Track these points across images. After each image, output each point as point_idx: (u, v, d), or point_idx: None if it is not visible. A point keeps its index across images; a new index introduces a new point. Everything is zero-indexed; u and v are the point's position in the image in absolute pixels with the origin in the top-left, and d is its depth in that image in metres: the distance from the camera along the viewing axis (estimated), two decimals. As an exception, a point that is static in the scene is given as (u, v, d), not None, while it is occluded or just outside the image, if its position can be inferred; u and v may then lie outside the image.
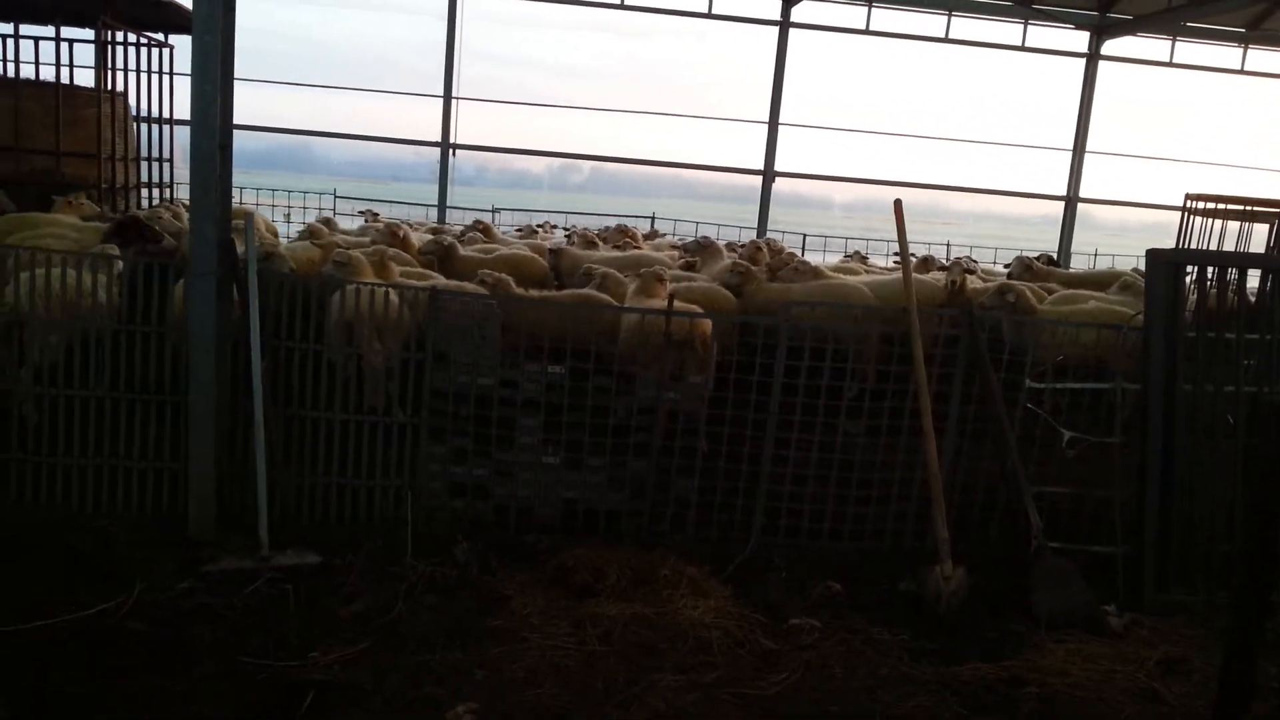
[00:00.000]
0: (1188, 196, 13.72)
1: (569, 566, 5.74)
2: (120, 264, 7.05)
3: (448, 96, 20.03)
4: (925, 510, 6.34)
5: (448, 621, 5.26)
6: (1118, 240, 23.15)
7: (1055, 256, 16.73)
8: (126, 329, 6.32)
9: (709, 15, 20.55)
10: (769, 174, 20.87)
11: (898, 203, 6.53)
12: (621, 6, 20.31)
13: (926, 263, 13.12)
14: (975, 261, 16.02)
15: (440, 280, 8.83)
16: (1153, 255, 6.20)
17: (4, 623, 4.82)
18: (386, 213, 17.62)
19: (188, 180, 6.40)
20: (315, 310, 6.54)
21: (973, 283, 10.02)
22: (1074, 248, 21.56)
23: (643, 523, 6.54)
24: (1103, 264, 20.31)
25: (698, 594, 5.63)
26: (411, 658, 4.90)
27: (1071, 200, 21.38)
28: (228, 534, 5.96)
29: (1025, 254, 12.23)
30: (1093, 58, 20.82)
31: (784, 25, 20.37)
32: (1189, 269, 6.54)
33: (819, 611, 5.73)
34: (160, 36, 13.82)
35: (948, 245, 20.52)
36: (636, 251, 12.22)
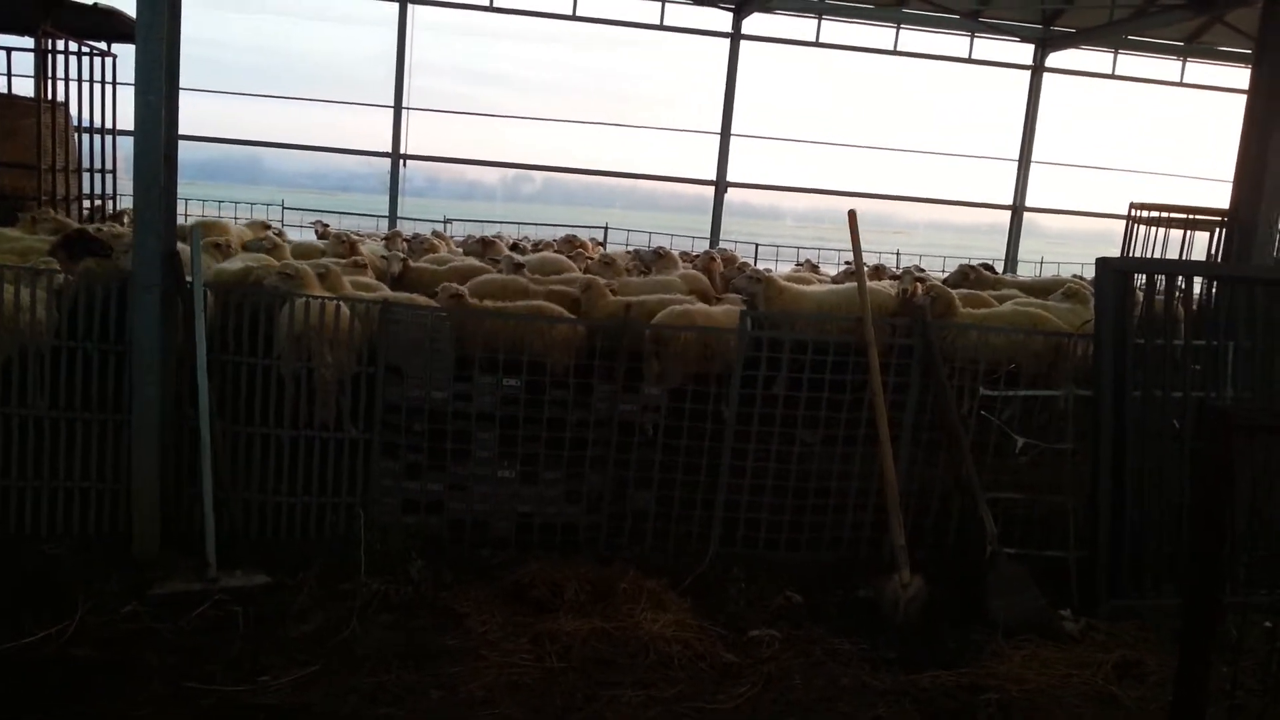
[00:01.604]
0: (1132, 205, 14.01)
1: (526, 582, 5.66)
2: (59, 278, 6.84)
3: (398, 107, 19.89)
4: (882, 518, 6.35)
5: (402, 641, 5.16)
6: (1062, 248, 23.57)
7: (998, 264, 16.98)
8: (67, 346, 6.13)
9: (660, 27, 20.63)
10: (721, 184, 20.98)
11: (852, 213, 6.57)
12: (573, 18, 20.31)
13: (878, 271, 13.26)
14: (925, 270, 16.23)
15: (387, 292, 8.74)
16: (1102, 264, 6.28)
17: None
18: (336, 224, 17.39)
19: (131, 192, 6.23)
20: (264, 324, 6.39)
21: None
22: (1021, 256, 21.93)
23: (600, 536, 6.47)
24: (1049, 271, 20.65)
25: (657, 607, 5.58)
26: (366, 679, 4.79)
27: (1018, 210, 21.76)
28: (174, 555, 5.80)
29: (966, 263, 12.38)
30: (1037, 70, 21.24)
31: (735, 37, 20.51)
32: (1137, 277, 6.66)
33: (779, 622, 5.72)
34: (103, 45, 13.53)
35: (898, 254, 20.73)
36: (545, 254, 12.42)
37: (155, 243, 5.63)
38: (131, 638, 5.01)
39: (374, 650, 5.04)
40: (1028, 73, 21.32)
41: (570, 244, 14.13)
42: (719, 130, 20.91)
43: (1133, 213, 13.88)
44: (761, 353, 6.44)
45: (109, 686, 4.58)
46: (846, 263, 15.49)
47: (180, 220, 15.38)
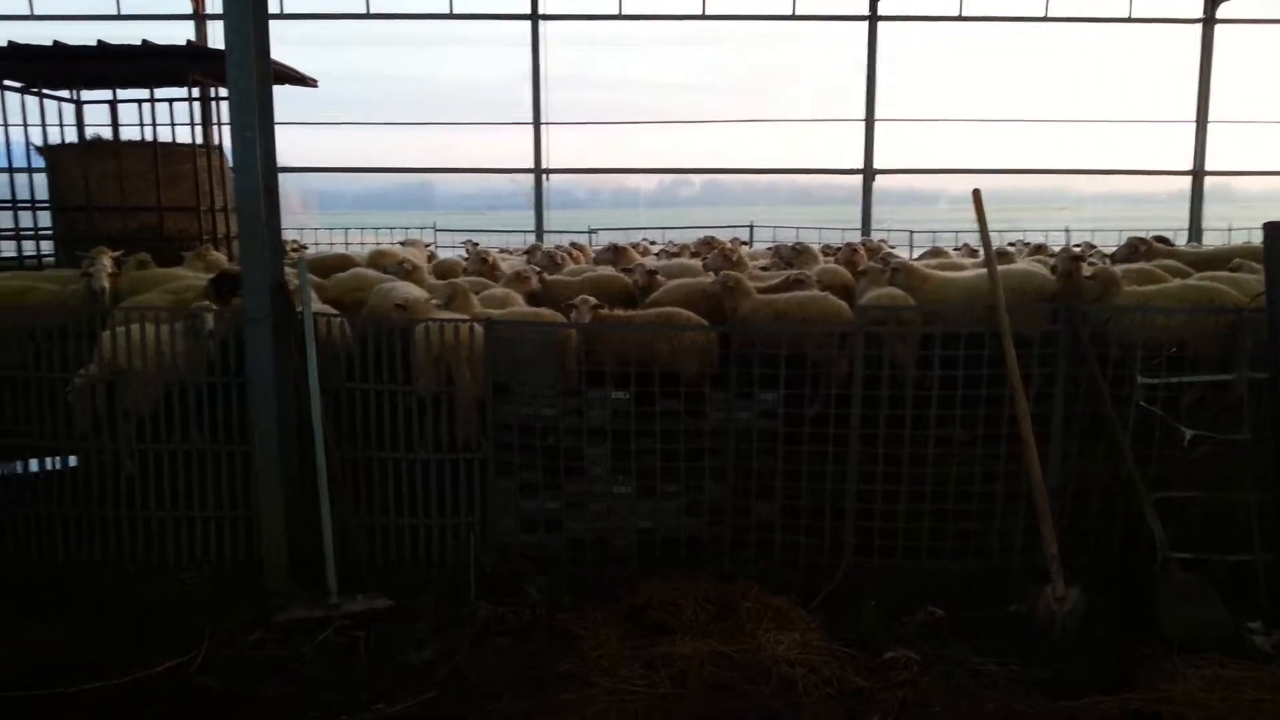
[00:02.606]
0: (1324, 158, 12.59)
1: (643, 603, 5.42)
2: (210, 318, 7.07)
3: (537, 123, 20.14)
4: (1035, 523, 5.78)
5: (517, 666, 5.02)
6: (1261, 212, 21.57)
7: (1180, 235, 15.64)
8: (209, 382, 6.36)
9: (793, 17, 20.11)
10: (868, 172, 20.27)
11: (976, 193, 6.06)
12: (703, 17, 20.06)
13: (1040, 251, 12.43)
14: (1094, 247, 15.11)
15: (519, 307, 8.72)
16: (1271, 228, 5.52)
17: (78, 681, 4.81)
18: (485, 241, 17.81)
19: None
20: (386, 350, 6.40)
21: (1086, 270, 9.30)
22: (1206, 223, 20.19)
23: (724, 549, 6.17)
24: (1239, 239, 18.93)
25: (782, 627, 5.23)
26: (477, 707, 4.67)
27: (1198, 174, 20.03)
28: (301, 581, 5.87)
29: (1137, 235, 11.38)
30: (1208, 22, 19.51)
31: (872, 19, 19.77)
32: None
33: (918, 641, 5.26)
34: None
35: (1067, 231, 19.46)
36: (681, 260, 12.27)
37: (262, 275, 5.72)
38: (255, 667, 5.06)
39: (487, 677, 4.92)
40: (1197, 26, 19.60)
41: (708, 246, 13.87)
42: (863, 117, 20.20)
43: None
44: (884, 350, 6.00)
45: (232, 717, 4.63)
46: (1012, 244, 14.61)
47: (358, 249, 16.21)
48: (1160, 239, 11.99)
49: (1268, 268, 5.48)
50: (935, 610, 5.57)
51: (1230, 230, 20.44)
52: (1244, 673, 4.86)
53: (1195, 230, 20.06)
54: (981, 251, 13.05)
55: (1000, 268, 9.54)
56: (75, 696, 4.70)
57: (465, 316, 7.07)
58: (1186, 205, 20.72)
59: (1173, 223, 19.50)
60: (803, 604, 5.59)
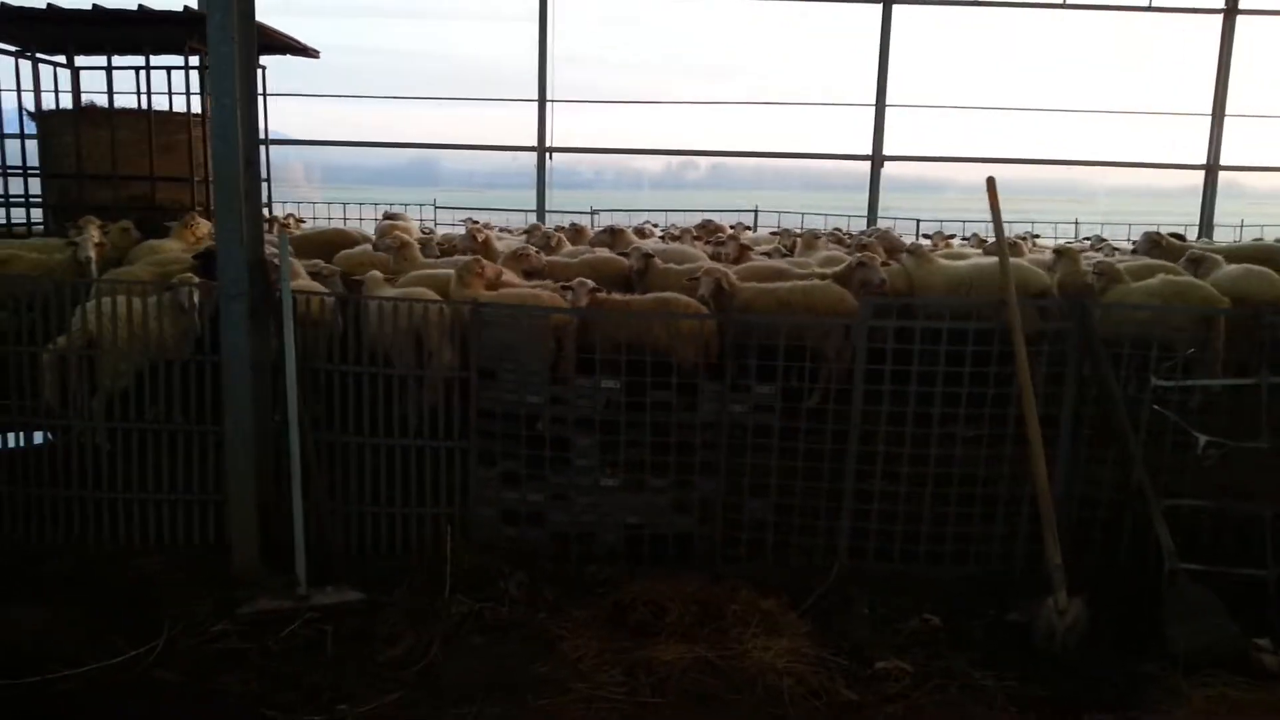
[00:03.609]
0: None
1: (626, 603, 5.19)
2: (190, 293, 6.87)
3: (542, 100, 19.83)
4: (1040, 528, 5.53)
5: (492, 667, 4.79)
6: (1268, 209, 21.23)
7: (1188, 230, 15.36)
8: (185, 360, 6.13)
9: (808, -3, 19.78)
10: (877, 159, 19.94)
11: (990, 181, 5.79)
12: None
13: (1015, 247, 12.17)
14: (1104, 240, 14.84)
15: (515, 287, 8.49)
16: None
17: (33, 671, 4.59)
18: (486, 220, 17.53)
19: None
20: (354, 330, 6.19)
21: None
22: (1218, 219, 19.85)
23: (715, 548, 5.93)
24: (1249, 236, 18.62)
25: (770, 632, 5.00)
26: (448, 711, 4.44)
27: (1211, 169, 19.66)
28: (272, 570, 5.64)
29: (1154, 230, 11.14)
30: (1230, 12, 19.10)
31: (887, 1, 19.38)
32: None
33: (912, 650, 5.02)
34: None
35: (1076, 224, 19.14)
36: (682, 243, 11.99)
37: (239, 250, 5.46)
38: (217, 659, 4.83)
39: (460, 678, 4.69)
40: (1219, 16, 19.20)
41: (706, 229, 13.60)
42: (873, 102, 19.86)
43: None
44: (887, 344, 5.74)
45: (189, 713, 4.42)
46: (1021, 237, 14.32)
47: (356, 224, 15.98)
48: (1176, 235, 11.74)
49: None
50: (931, 618, 5.35)
51: (1242, 227, 20.11)
52: (1250, 694, 4.63)
53: (1206, 226, 19.74)
54: (991, 241, 12.76)
55: (990, 260, 9.34)
56: (30, 688, 4.48)
57: (433, 295, 6.93)
58: (1198, 201, 20.39)
59: (1184, 218, 19.17)
60: (794, 607, 5.36)
